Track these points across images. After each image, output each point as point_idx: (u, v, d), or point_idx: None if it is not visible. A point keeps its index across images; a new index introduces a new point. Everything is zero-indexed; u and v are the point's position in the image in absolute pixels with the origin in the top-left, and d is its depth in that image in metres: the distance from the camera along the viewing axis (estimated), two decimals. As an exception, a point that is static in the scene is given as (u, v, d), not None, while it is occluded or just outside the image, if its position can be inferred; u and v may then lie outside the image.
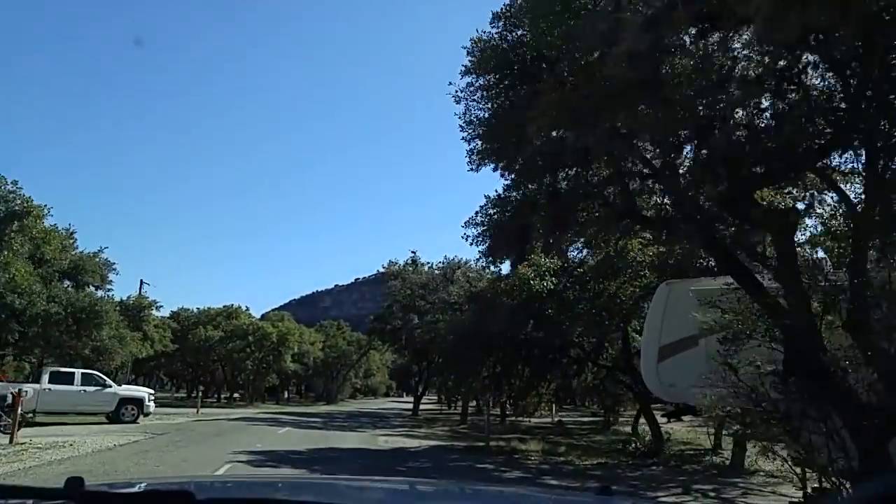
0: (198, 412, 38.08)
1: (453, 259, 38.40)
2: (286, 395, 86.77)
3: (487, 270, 30.26)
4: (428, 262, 40.28)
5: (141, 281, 51.73)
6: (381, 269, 40.66)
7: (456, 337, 23.33)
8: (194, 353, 54.09)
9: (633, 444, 22.88)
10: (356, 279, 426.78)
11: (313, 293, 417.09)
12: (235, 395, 65.19)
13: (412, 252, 40.75)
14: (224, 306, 57.41)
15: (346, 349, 72.78)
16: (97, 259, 31.54)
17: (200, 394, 41.80)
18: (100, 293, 31.62)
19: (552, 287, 18.90)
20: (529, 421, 42.76)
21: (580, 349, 23.14)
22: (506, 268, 24.98)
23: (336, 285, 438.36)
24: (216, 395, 64.36)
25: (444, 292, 37.11)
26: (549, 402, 32.96)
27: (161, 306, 45.69)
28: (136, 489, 2.25)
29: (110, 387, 27.92)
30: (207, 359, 55.10)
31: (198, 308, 56.85)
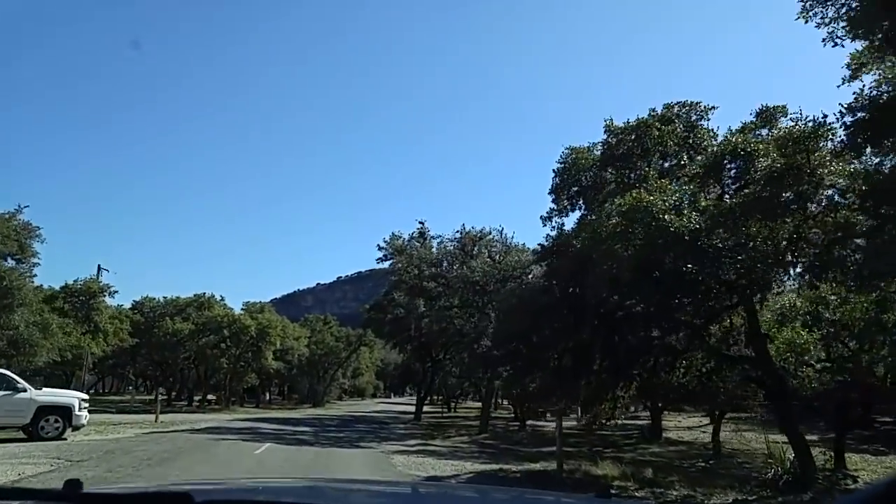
0: (156, 421, 30.19)
1: (470, 230, 30.91)
2: (268, 397, 78.78)
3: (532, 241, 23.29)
4: (438, 236, 32.77)
5: (98, 266, 43.62)
6: (384, 246, 32.97)
7: (516, 314, 15.75)
8: (160, 349, 46.00)
9: (775, 471, 15.58)
10: (338, 277, 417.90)
11: (294, 292, 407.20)
12: (210, 396, 57.02)
13: (420, 223, 33.23)
14: (195, 295, 49.35)
15: (335, 345, 64.89)
16: (13, 222, 23.46)
17: (160, 397, 33.70)
18: (18, 267, 23.59)
19: (697, 226, 11.48)
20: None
21: (688, 328, 15.75)
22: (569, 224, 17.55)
23: (318, 283, 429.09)
24: (188, 398, 56.19)
25: (463, 269, 29.60)
26: (626, 407, 25.56)
27: (116, 291, 37.71)
28: (134, 491, 2.21)
29: (24, 391, 20.15)
30: (176, 356, 46.99)
31: (164, 297, 48.69)
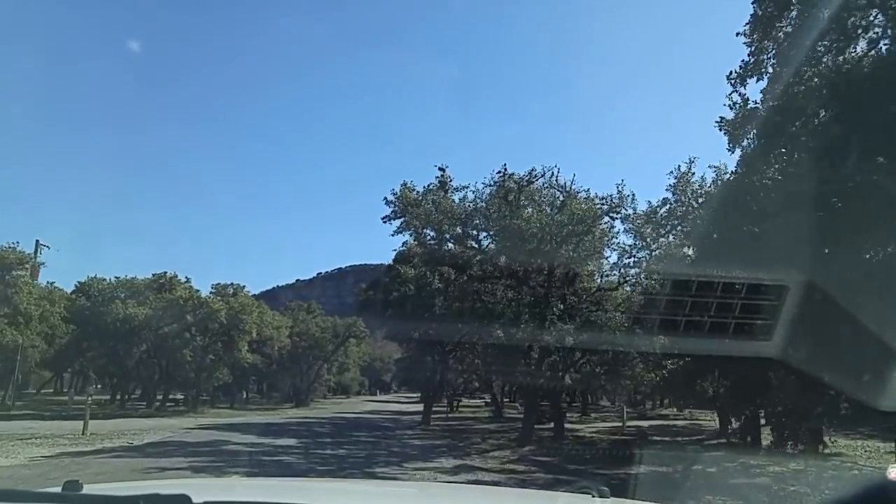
0: (83, 433, 21.57)
1: (513, 174, 22.54)
2: (245, 396, 69.98)
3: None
4: (462, 188, 24.34)
5: (37, 242, 34.69)
6: (392, 199, 24.43)
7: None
8: (109, 338, 37.12)
9: None
10: (318, 273, 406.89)
11: (273, 288, 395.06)
12: (177, 396, 48.25)
13: (440, 170, 24.87)
14: (154, 275, 40.41)
15: (320, 337, 56.30)
16: None
17: (90, 399, 24.96)
18: None
19: None
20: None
21: None
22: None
23: (298, 280, 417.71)
24: (149, 399, 47.20)
25: (508, 219, 21.30)
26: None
27: (42, 264, 28.85)
28: (134, 492, 2.11)
29: None
30: (129, 347, 38.13)
31: (116, 278, 39.67)
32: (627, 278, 25.48)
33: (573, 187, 22.14)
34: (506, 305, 24.44)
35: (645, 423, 40.94)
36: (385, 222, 25.59)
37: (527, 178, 22.24)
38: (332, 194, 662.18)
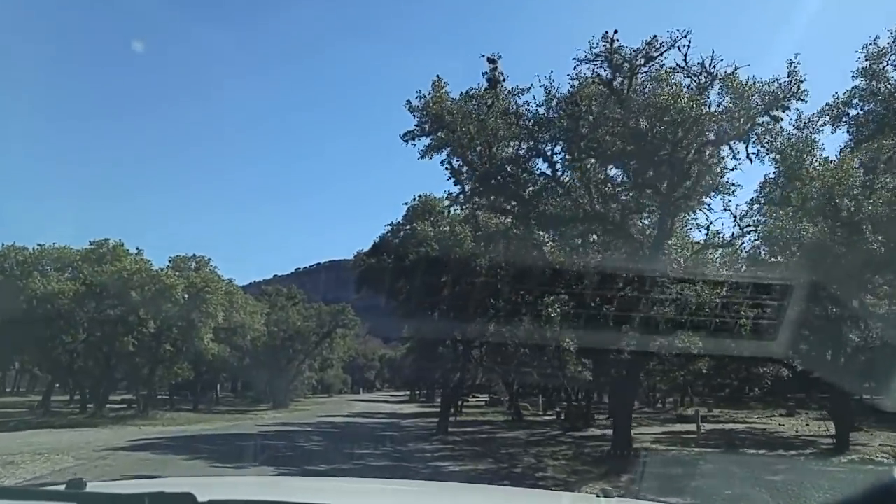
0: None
1: (620, 46, 13.86)
2: (216, 395, 60.75)
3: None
4: (524, 89, 15.56)
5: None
6: (417, 105, 15.85)
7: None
8: (31, 324, 27.89)
9: None
10: (297, 269, 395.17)
11: (250, 283, 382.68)
12: (131, 396, 39.12)
13: (490, 62, 16.26)
14: (92, 243, 31.14)
15: (303, 327, 47.27)
16: None
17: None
18: None
19: None
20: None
21: None
22: None
23: (275, 275, 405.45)
24: (95, 400, 37.76)
25: (623, 118, 12.74)
26: None
27: None
28: (138, 490, 2.11)
29: None
30: (55, 334, 28.90)
31: (40, 245, 30.26)
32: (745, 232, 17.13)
33: (715, 68, 13.62)
34: (593, 268, 16.00)
35: (707, 426, 33.07)
36: (406, 142, 16.95)
37: (644, 52, 13.63)
38: (309, 188, 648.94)
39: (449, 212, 22.76)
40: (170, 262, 33.18)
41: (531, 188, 15.36)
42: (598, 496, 2.31)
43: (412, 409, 52.01)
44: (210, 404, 50.97)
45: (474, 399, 78.83)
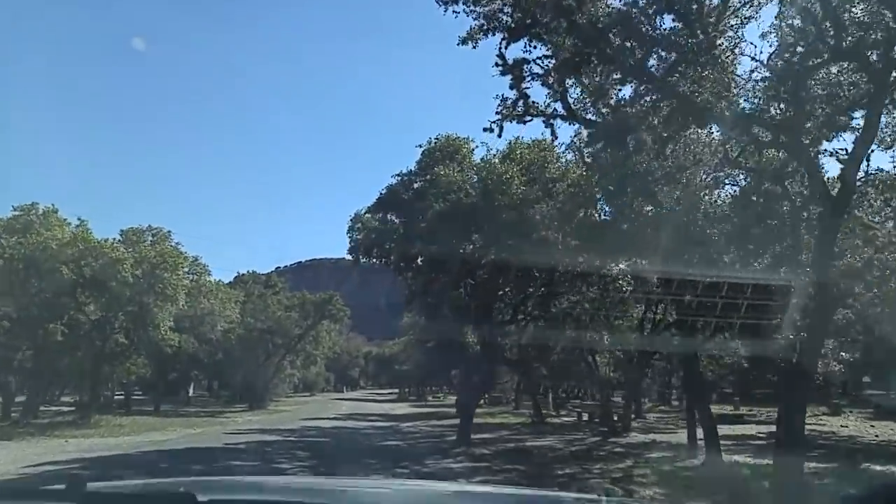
0: None
1: None
2: (189, 394, 54.18)
3: None
4: None
5: None
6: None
7: None
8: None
9: None
10: (277, 267, 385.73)
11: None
12: (73, 398, 32.51)
13: None
14: (15, 208, 24.41)
15: (283, 317, 40.78)
16: None
17: None
18: None
19: None
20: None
21: None
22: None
23: (255, 272, 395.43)
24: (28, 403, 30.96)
25: None
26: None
27: None
28: (138, 490, 2.16)
29: None
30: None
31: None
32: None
33: None
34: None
35: (757, 428, 27.63)
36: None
37: None
38: (292, 186, 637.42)
39: (488, 149, 16.79)
40: (120, 235, 26.66)
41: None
42: (600, 496, 2.26)
43: (406, 410, 45.95)
44: (179, 405, 44.46)
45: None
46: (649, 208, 11.35)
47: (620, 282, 14.90)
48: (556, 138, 12.01)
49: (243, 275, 45.56)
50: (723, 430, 23.63)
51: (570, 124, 12.44)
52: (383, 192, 18.79)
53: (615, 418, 28.22)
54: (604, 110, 11.73)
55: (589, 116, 12.11)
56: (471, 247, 15.87)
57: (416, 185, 18.67)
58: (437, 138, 19.01)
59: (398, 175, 19.16)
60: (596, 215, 12.70)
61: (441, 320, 21.42)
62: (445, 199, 15.83)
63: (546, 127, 11.67)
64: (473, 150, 18.90)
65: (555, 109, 12.31)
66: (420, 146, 18.97)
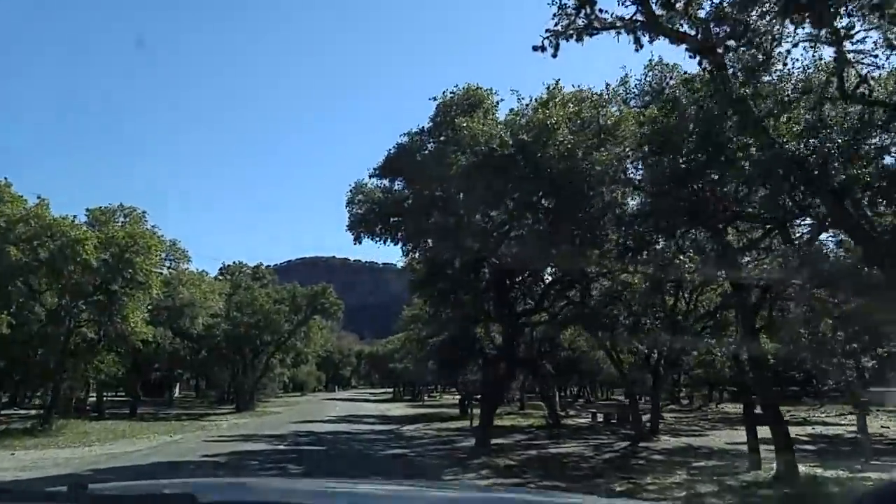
0: None
1: None
2: (170, 396, 50.84)
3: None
4: None
5: None
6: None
7: None
8: None
9: None
10: (265, 266, 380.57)
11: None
12: (35, 400, 29.11)
13: None
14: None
15: (272, 311, 37.49)
16: None
17: None
18: None
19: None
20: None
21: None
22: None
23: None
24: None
25: None
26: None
27: None
28: (139, 491, 2.14)
29: None
30: None
31: None
32: None
33: None
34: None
35: (795, 430, 25.02)
36: None
37: None
38: (279, 182, 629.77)
39: (519, 98, 13.61)
40: (86, 214, 23.31)
41: None
42: (600, 497, 2.30)
43: (403, 411, 42.78)
44: (161, 407, 41.07)
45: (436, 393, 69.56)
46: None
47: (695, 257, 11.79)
48: (641, 48, 8.91)
49: (229, 266, 42.10)
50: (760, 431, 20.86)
51: (649, 40, 9.40)
52: (391, 150, 15.59)
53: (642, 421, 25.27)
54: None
55: (682, 27, 9.08)
56: (504, 209, 12.77)
57: (430, 147, 15.54)
58: (453, 91, 15.89)
59: (407, 134, 16.01)
60: (682, 161, 9.64)
61: (456, 309, 18.29)
62: (474, 152, 12.70)
63: (626, 34, 8.63)
64: (498, 103, 15.84)
65: (633, 17, 9.27)
66: (434, 99, 15.85)
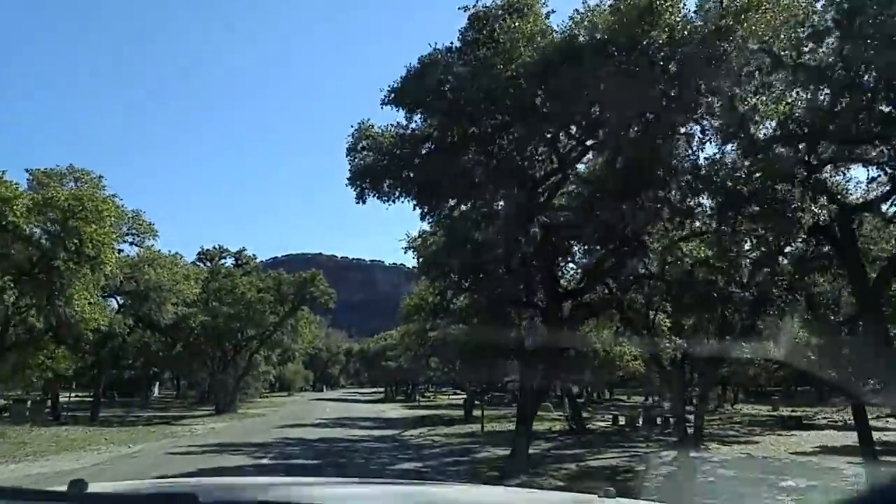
0: None
1: None
2: (146, 396, 46.63)
3: None
4: None
5: None
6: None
7: None
8: None
9: None
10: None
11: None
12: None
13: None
14: None
15: (255, 300, 33.25)
16: None
17: None
18: None
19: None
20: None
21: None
22: None
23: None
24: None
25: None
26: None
27: None
28: (139, 491, 2.10)
29: None
30: None
31: None
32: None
33: None
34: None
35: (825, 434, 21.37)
36: None
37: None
38: (271, 179, 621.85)
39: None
40: (28, 175, 19.08)
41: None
42: (599, 496, 2.23)
43: (400, 412, 38.82)
44: (133, 409, 36.84)
45: (454, 395, 64.69)
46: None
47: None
48: None
49: (208, 250, 37.74)
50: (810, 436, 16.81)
51: None
52: (411, 68, 11.53)
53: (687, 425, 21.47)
54: None
55: None
56: (580, 130, 8.85)
57: (457, 68, 11.59)
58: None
59: (428, 56, 11.99)
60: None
61: (483, 289, 14.36)
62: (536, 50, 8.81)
63: None
64: (549, 15, 11.88)
65: None
66: (465, 9, 11.87)
